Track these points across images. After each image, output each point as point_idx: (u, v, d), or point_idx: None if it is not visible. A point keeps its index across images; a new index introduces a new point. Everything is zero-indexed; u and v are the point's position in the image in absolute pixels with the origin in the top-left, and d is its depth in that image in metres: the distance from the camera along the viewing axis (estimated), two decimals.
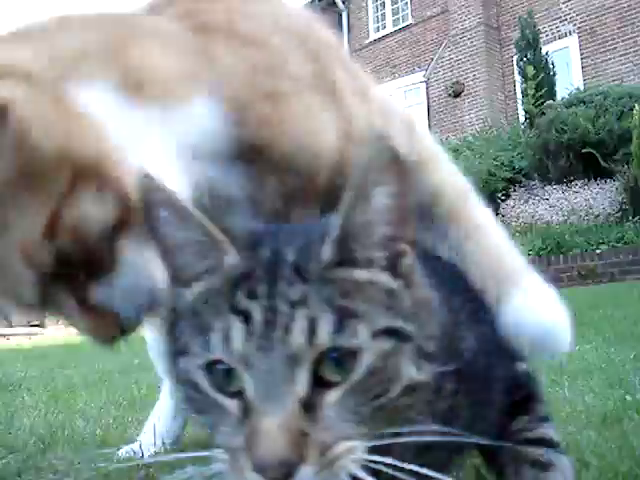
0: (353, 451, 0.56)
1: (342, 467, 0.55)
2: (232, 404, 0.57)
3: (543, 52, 11.22)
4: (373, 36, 15.29)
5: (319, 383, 0.56)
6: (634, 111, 7.86)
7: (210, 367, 0.58)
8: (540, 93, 10.40)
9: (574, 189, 8.49)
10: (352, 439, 0.56)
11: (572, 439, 1.23)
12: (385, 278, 0.60)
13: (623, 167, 8.05)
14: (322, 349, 0.55)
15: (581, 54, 12.56)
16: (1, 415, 1.92)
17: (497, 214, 8.01)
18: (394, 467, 0.56)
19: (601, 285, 6.64)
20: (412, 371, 0.58)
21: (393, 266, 0.60)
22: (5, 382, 2.85)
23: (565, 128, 8.92)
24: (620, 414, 1.41)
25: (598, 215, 7.84)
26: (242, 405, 0.56)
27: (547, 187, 8.88)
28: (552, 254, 7.34)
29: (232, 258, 0.59)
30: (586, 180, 8.61)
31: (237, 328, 0.55)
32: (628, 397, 1.56)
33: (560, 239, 7.44)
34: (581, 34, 12.57)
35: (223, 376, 0.57)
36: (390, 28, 15.07)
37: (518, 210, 8.35)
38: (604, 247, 7.10)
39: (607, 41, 12.26)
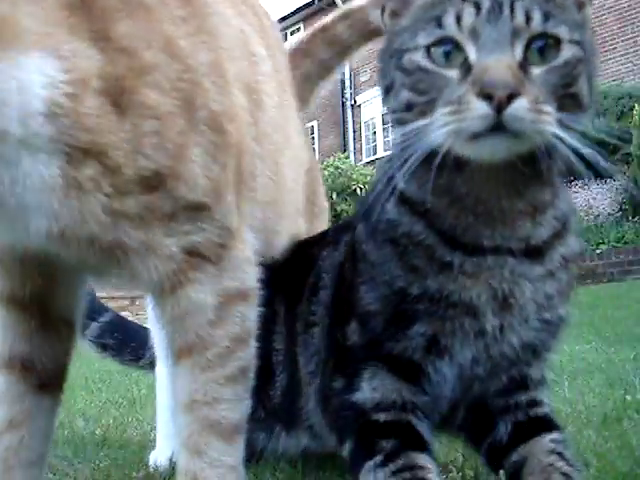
0: (555, 117, 0.70)
1: (547, 121, 0.69)
2: (452, 73, 0.73)
3: None
4: None
5: (527, 61, 0.71)
6: (634, 111, 7.87)
7: (429, 50, 0.74)
8: None
9: (574, 189, 8.49)
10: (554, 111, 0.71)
11: (572, 439, 1.23)
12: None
13: (623, 167, 8.05)
14: (535, 31, 0.72)
15: None
16: None
17: None
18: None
19: (601, 285, 6.65)
20: (584, 83, 0.75)
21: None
22: None
23: None
24: (620, 414, 1.41)
25: (598, 215, 7.84)
26: (463, 69, 0.72)
27: None
28: None
29: None
30: (586, 180, 8.61)
31: (469, 11, 0.72)
32: (628, 397, 1.57)
33: None
34: None
35: (443, 54, 0.73)
36: None
37: None
38: (604, 247, 7.10)
39: (607, 41, 12.26)
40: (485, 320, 0.83)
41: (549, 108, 0.70)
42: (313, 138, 16.84)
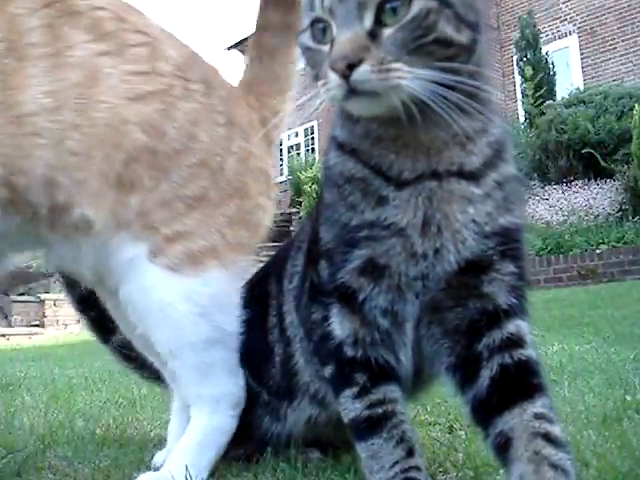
0: (404, 71, 0.79)
1: (394, 76, 0.78)
2: (326, 47, 0.84)
3: (543, 52, 11.22)
4: None
5: (381, 24, 0.80)
6: (634, 111, 7.86)
7: (312, 29, 0.87)
8: (539, 93, 10.40)
9: (574, 189, 8.50)
10: (404, 66, 0.79)
11: (572, 439, 1.23)
12: None
13: (623, 167, 8.05)
14: None
15: (581, 54, 12.57)
16: (1, 415, 1.92)
17: None
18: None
19: (601, 285, 6.64)
20: (449, 29, 0.81)
21: None
22: (5, 382, 2.85)
23: (565, 128, 8.92)
24: (620, 414, 1.41)
25: (598, 215, 7.84)
26: (331, 44, 0.83)
27: (547, 187, 8.88)
28: (552, 254, 7.34)
29: None
30: (586, 180, 8.61)
31: None
32: (628, 397, 1.57)
33: (560, 239, 7.45)
34: (581, 34, 12.58)
35: (320, 31, 0.86)
36: None
37: None
38: (604, 247, 7.10)
39: (607, 41, 12.27)
40: (414, 241, 0.90)
41: (396, 65, 0.79)
42: (313, 138, 16.84)
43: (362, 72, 0.78)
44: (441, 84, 0.80)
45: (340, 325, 0.98)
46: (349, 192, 0.94)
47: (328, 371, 1.02)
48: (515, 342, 0.91)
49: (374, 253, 0.92)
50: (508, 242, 0.93)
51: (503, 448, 0.85)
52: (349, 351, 0.98)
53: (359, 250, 0.93)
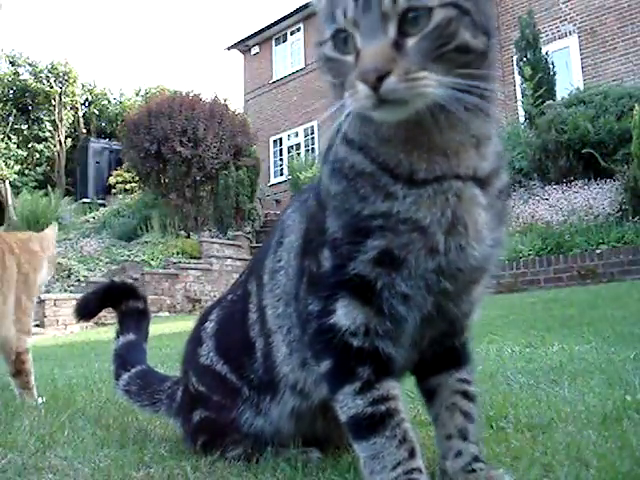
0: (430, 80, 0.82)
1: (420, 85, 0.82)
2: (349, 58, 0.87)
3: (543, 52, 11.21)
4: None
5: (404, 34, 0.83)
6: (634, 111, 7.85)
7: (334, 40, 0.89)
8: (539, 93, 10.39)
9: (574, 189, 8.49)
10: (430, 74, 0.82)
11: (572, 439, 1.23)
12: None
13: (623, 167, 8.04)
14: (402, 9, 0.82)
15: (581, 54, 12.56)
16: (1, 415, 1.92)
17: None
18: None
19: (601, 285, 6.64)
20: (468, 36, 0.85)
21: None
22: (5, 382, 2.84)
23: (565, 128, 8.92)
24: (620, 414, 1.41)
25: (598, 215, 7.83)
26: (355, 55, 0.85)
27: (547, 187, 8.88)
28: (552, 254, 7.33)
29: None
30: (586, 180, 8.61)
31: (350, 5, 0.85)
32: (628, 397, 1.56)
33: (560, 239, 7.44)
34: (581, 34, 12.58)
35: (342, 42, 0.88)
36: None
37: (518, 210, 8.35)
38: (604, 247, 7.09)
39: (607, 41, 12.26)
40: (436, 240, 0.94)
41: (422, 74, 0.82)
42: (313, 138, 16.84)
43: (391, 83, 0.81)
44: (459, 89, 0.84)
45: (348, 316, 0.98)
46: (360, 185, 0.96)
47: (325, 366, 1.02)
48: (466, 328, 1.12)
49: (390, 245, 0.94)
50: (501, 251, 1.04)
51: (430, 396, 1.12)
52: (355, 342, 0.98)
53: (373, 240, 0.95)
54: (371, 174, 0.95)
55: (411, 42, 0.82)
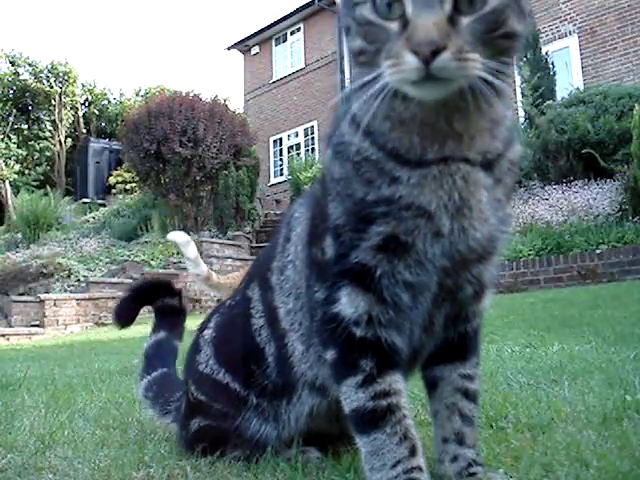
0: (479, 62, 0.79)
1: (471, 66, 0.79)
2: (393, 25, 0.81)
3: (543, 52, 11.20)
4: None
5: (459, 12, 0.79)
6: (634, 111, 7.85)
7: (375, 3, 0.82)
8: (539, 93, 10.38)
9: (574, 189, 8.49)
10: (479, 57, 0.79)
11: (572, 439, 1.23)
12: None
13: (623, 167, 8.04)
14: None
15: (581, 54, 12.55)
16: (1, 415, 1.92)
17: None
18: None
19: (601, 285, 6.64)
20: (515, 23, 0.83)
21: None
22: (5, 382, 2.84)
23: (565, 128, 8.91)
24: (620, 414, 1.41)
25: (598, 215, 7.83)
26: (401, 22, 0.80)
27: (547, 187, 8.87)
28: (552, 254, 7.33)
29: None
30: (586, 180, 8.60)
31: None
32: (628, 397, 1.56)
33: (560, 239, 7.44)
34: (581, 34, 12.57)
35: (386, 6, 0.82)
36: None
37: (518, 210, 8.35)
38: (604, 247, 7.09)
39: (607, 41, 12.25)
40: (441, 223, 0.92)
41: (474, 55, 0.79)
42: (313, 138, 16.83)
43: (445, 59, 0.77)
44: (495, 73, 0.82)
45: (351, 305, 0.96)
46: (365, 169, 0.93)
47: (330, 355, 1.00)
48: (476, 314, 1.08)
49: (395, 230, 0.92)
50: (509, 228, 1.02)
51: (432, 388, 1.10)
52: (358, 331, 0.96)
53: (377, 227, 0.93)
54: (376, 162, 0.93)
55: (466, 21, 0.79)
